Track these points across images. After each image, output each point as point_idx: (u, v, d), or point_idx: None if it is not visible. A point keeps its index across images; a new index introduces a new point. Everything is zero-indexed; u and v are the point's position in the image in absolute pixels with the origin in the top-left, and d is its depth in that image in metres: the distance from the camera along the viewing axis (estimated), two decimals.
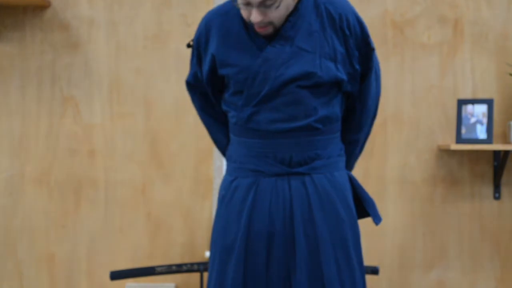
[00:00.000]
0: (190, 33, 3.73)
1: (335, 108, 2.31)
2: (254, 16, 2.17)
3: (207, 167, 3.75)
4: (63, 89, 3.78)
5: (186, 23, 3.76)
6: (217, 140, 2.47)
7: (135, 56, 3.78)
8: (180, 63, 3.71)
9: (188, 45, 2.40)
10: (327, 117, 2.28)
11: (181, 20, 3.77)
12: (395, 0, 3.81)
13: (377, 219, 2.38)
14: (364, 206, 2.36)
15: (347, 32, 2.28)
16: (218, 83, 2.34)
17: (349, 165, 2.42)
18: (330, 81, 2.25)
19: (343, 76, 2.27)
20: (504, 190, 3.80)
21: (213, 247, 2.30)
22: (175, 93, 3.73)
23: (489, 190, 3.81)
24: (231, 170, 2.32)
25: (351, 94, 2.34)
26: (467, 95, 3.80)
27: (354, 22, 2.30)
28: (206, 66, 2.32)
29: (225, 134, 2.43)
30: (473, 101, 3.69)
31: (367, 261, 3.75)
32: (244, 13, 2.20)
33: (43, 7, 3.76)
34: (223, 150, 2.47)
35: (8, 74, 3.78)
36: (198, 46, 2.35)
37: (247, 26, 2.26)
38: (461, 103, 3.69)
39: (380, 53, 3.77)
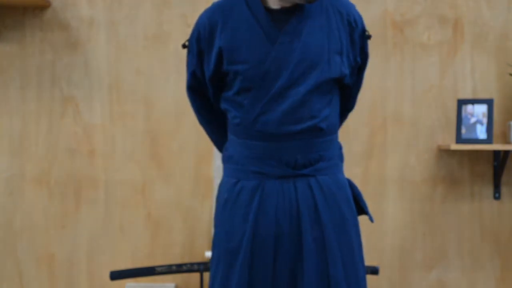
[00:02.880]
0: (190, 33, 3.72)
1: (336, 107, 2.32)
2: None
3: (207, 167, 3.75)
4: (63, 89, 3.78)
5: (186, 23, 3.76)
6: (216, 142, 2.47)
7: (135, 56, 3.78)
8: (180, 63, 3.70)
9: (184, 46, 2.36)
10: (329, 117, 2.28)
11: (181, 20, 3.77)
12: (395, 0, 3.81)
13: (371, 218, 2.43)
14: (360, 205, 2.38)
15: (353, 25, 2.32)
16: (220, 80, 2.31)
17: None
18: (336, 77, 2.26)
19: (346, 70, 2.29)
20: (504, 190, 3.80)
21: (216, 250, 2.27)
22: (175, 93, 3.73)
23: (489, 190, 3.81)
24: (231, 172, 2.30)
25: (347, 86, 2.36)
26: (467, 95, 3.80)
27: (356, 15, 2.35)
28: (211, 62, 2.28)
29: (222, 135, 2.42)
30: (473, 101, 3.69)
31: (367, 261, 3.75)
32: None
33: (43, 7, 3.76)
34: (221, 149, 2.46)
35: (8, 74, 3.78)
36: (198, 42, 2.31)
37: (257, 17, 2.25)
38: (461, 103, 3.69)
39: (380, 53, 3.78)
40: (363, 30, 2.36)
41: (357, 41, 2.34)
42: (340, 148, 2.39)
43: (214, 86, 2.33)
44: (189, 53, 2.36)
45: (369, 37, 2.38)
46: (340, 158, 2.37)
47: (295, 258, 2.21)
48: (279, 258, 2.20)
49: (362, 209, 2.39)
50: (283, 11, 2.24)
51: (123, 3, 3.79)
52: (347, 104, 2.45)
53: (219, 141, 2.45)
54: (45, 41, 3.77)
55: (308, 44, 2.23)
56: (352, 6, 2.35)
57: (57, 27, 3.77)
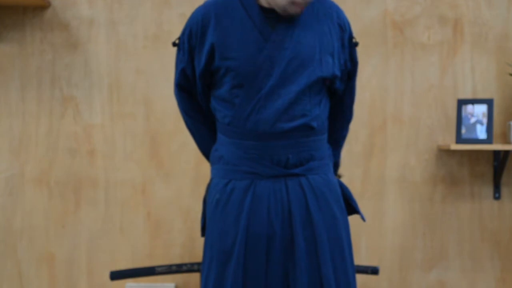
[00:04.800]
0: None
1: (325, 108, 2.33)
2: None
3: (207, 167, 3.73)
4: (63, 89, 3.78)
5: None
6: (202, 145, 2.44)
7: (135, 56, 3.78)
8: None
9: (174, 44, 2.36)
10: (320, 116, 2.29)
11: (181, 20, 3.77)
12: (395, 0, 3.81)
13: (363, 217, 2.46)
14: (351, 205, 2.40)
15: (344, 28, 2.34)
16: (210, 77, 2.30)
17: (336, 157, 2.47)
18: (327, 77, 2.27)
19: (337, 72, 2.31)
20: (504, 190, 3.80)
21: (208, 251, 2.27)
22: None
23: (489, 190, 3.81)
24: (222, 173, 2.29)
25: (337, 92, 2.37)
26: (467, 95, 3.80)
27: (346, 20, 2.36)
28: (202, 58, 2.27)
29: (210, 137, 2.40)
30: (473, 101, 3.69)
31: (367, 261, 3.76)
32: None
33: (43, 7, 3.76)
34: (207, 153, 2.43)
35: (8, 74, 3.78)
36: (189, 39, 2.31)
37: (250, 14, 2.25)
38: (461, 103, 3.69)
39: (380, 53, 3.78)
40: (351, 36, 2.38)
41: (346, 45, 2.35)
42: (329, 148, 2.39)
43: (204, 83, 2.32)
44: (179, 50, 2.36)
45: (356, 44, 2.39)
46: (330, 158, 2.38)
47: (287, 258, 2.21)
48: (272, 258, 2.21)
49: (353, 208, 2.40)
50: (274, 10, 2.25)
51: (123, 3, 3.79)
52: (344, 115, 2.45)
53: (206, 146, 2.42)
54: (45, 41, 3.77)
55: (300, 43, 2.24)
56: (341, 11, 2.37)
57: (57, 27, 3.77)
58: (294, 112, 2.23)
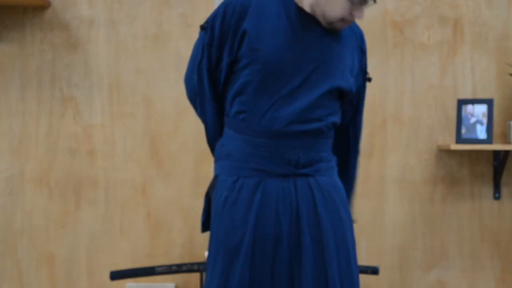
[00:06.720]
0: (190, 33, 3.73)
1: (338, 117, 2.33)
2: (361, 14, 2.20)
3: (207, 167, 3.74)
4: (63, 89, 3.78)
5: (186, 23, 3.76)
6: (214, 134, 2.39)
7: (135, 56, 3.78)
8: (180, 63, 3.71)
9: (202, 27, 2.29)
10: (333, 124, 2.30)
11: (181, 20, 3.77)
12: (395, 0, 3.81)
13: None
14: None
15: (364, 51, 2.39)
16: (232, 67, 2.27)
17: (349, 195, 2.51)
18: (345, 89, 2.29)
19: (353, 88, 2.34)
20: (504, 190, 3.80)
21: (214, 248, 2.26)
22: (175, 93, 3.73)
23: (489, 190, 3.80)
24: (231, 169, 2.27)
25: (348, 110, 2.40)
26: (467, 95, 3.80)
27: (366, 45, 2.41)
28: (235, 46, 2.23)
29: (219, 129, 2.38)
30: (473, 101, 3.68)
31: (367, 261, 3.75)
32: (343, 9, 2.18)
33: (43, 7, 3.76)
34: (213, 144, 2.39)
35: (8, 74, 3.78)
36: (222, 24, 2.24)
37: (287, 12, 2.24)
38: (461, 103, 3.69)
39: (380, 53, 3.78)
40: (366, 66, 2.42)
41: (363, 67, 2.40)
42: (333, 154, 2.41)
43: (229, 72, 2.27)
44: (206, 34, 2.27)
45: (368, 79, 2.44)
46: (336, 163, 2.38)
47: (293, 258, 2.21)
48: (278, 257, 2.20)
49: None
50: (311, 15, 2.25)
51: (123, 3, 3.79)
52: (348, 149, 2.48)
53: (215, 135, 2.38)
54: (45, 41, 3.77)
55: (327, 53, 2.25)
56: (364, 35, 2.40)
57: (57, 27, 3.77)
58: (310, 115, 2.23)
